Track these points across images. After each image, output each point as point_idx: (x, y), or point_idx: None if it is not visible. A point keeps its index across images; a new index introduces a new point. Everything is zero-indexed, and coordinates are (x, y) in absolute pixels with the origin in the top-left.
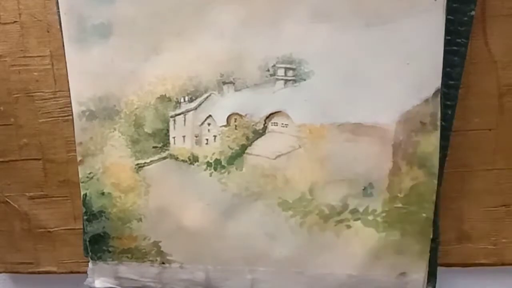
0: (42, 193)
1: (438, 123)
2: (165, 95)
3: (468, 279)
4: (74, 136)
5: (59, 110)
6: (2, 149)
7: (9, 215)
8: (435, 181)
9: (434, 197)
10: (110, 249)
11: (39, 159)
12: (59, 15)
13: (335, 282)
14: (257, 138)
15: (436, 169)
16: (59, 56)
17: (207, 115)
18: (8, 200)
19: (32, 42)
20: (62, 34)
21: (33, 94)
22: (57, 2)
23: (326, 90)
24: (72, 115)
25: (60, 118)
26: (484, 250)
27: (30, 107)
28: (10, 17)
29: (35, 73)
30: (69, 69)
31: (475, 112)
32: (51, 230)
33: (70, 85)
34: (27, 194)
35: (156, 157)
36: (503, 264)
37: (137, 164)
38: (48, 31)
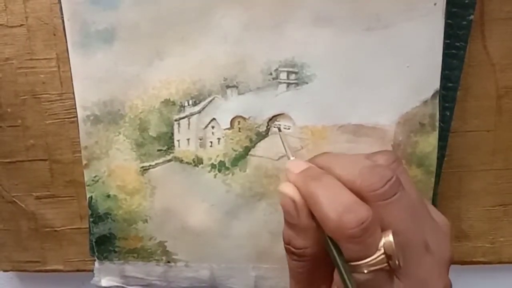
0: (48, 193)
1: (437, 124)
2: (169, 99)
3: (466, 277)
4: (79, 139)
5: (65, 111)
6: (10, 150)
7: (16, 215)
8: (433, 179)
9: (431, 194)
10: (116, 249)
11: (45, 160)
12: (63, 21)
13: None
14: (260, 140)
15: (434, 168)
16: (65, 58)
17: (211, 118)
18: (15, 200)
19: (38, 45)
20: (66, 39)
21: (39, 96)
22: (61, 8)
23: (327, 92)
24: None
25: (66, 119)
26: (482, 248)
27: (37, 108)
28: (17, 20)
29: (42, 75)
30: (74, 74)
31: (473, 114)
32: (58, 229)
33: (74, 90)
34: (33, 194)
35: (161, 160)
36: (500, 262)
37: (142, 167)
38: (54, 34)
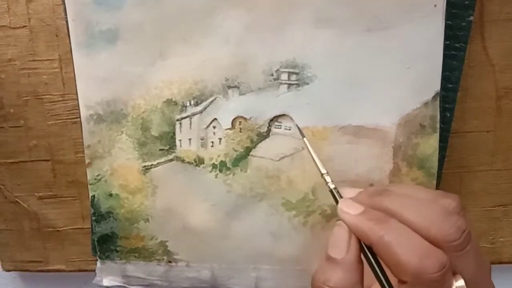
0: (51, 193)
1: (437, 125)
2: (171, 99)
3: None
4: (82, 138)
5: (67, 112)
6: (12, 151)
7: (18, 215)
8: (434, 182)
9: None
10: (118, 248)
11: (48, 160)
12: (66, 22)
13: None
14: (261, 141)
15: (435, 170)
16: (67, 59)
17: (213, 118)
18: (18, 200)
19: (41, 46)
20: (70, 39)
21: (42, 96)
22: (65, 9)
23: (328, 93)
24: (80, 117)
25: (68, 120)
26: (482, 249)
27: (39, 109)
28: (19, 21)
29: (44, 76)
30: (77, 74)
31: (473, 114)
32: (60, 229)
33: (78, 90)
34: (36, 194)
35: (162, 159)
36: (500, 263)
37: (144, 166)
38: (56, 36)
